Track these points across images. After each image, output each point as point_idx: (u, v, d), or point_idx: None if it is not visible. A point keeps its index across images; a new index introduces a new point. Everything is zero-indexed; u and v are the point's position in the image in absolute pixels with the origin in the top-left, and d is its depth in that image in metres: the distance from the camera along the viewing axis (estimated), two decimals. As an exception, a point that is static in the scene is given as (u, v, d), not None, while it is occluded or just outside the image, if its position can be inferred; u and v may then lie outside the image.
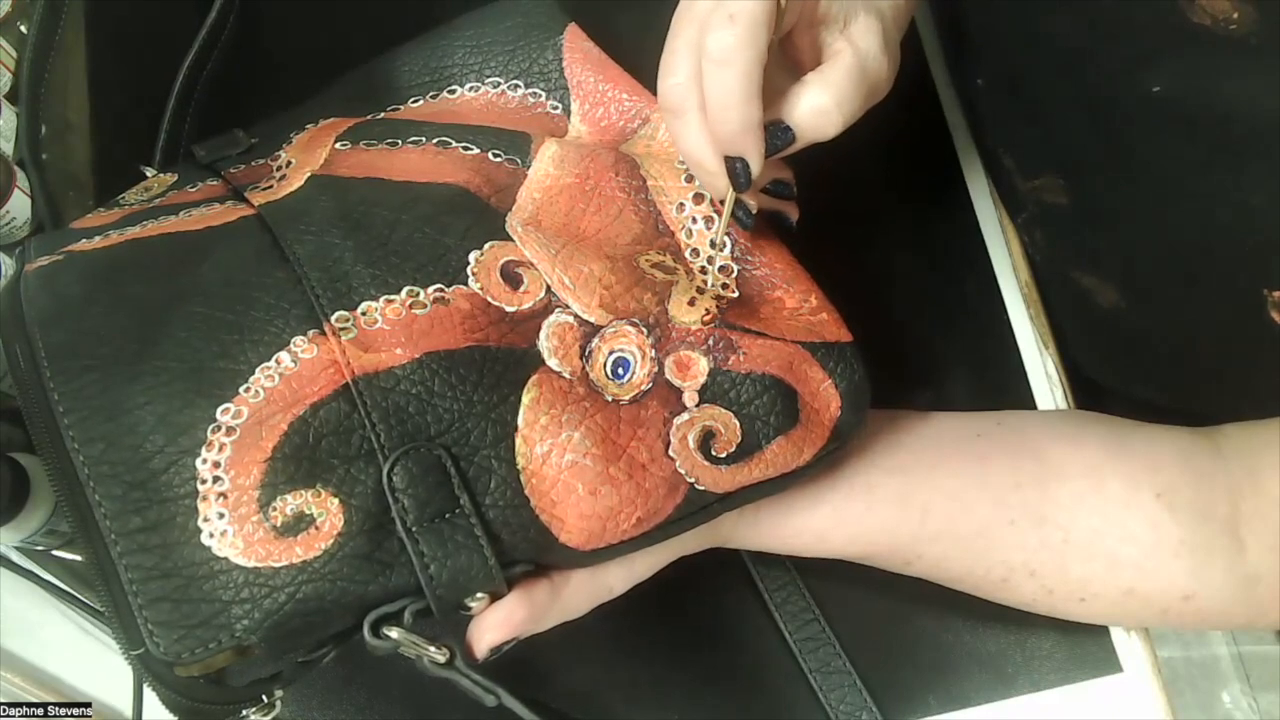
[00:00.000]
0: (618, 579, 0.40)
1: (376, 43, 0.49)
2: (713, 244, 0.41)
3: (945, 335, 0.54)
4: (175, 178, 0.45)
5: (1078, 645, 0.49)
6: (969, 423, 0.45)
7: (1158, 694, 0.48)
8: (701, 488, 0.37)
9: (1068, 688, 0.49)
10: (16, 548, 0.48)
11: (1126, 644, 0.49)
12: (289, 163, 0.42)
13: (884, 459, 0.43)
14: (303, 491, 0.33)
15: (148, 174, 0.46)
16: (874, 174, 0.55)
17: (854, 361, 0.40)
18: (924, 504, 0.43)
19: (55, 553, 0.49)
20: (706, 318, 0.38)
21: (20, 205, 0.46)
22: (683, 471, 0.37)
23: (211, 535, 0.33)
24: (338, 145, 0.43)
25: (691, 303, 0.38)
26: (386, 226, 0.38)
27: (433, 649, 0.35)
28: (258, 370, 0.34)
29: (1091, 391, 0.54)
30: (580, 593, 0.38)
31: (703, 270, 0.40)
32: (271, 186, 0.41)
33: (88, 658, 0.50)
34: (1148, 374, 0.52)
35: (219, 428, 0.33)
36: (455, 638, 0.36)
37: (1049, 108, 0.45)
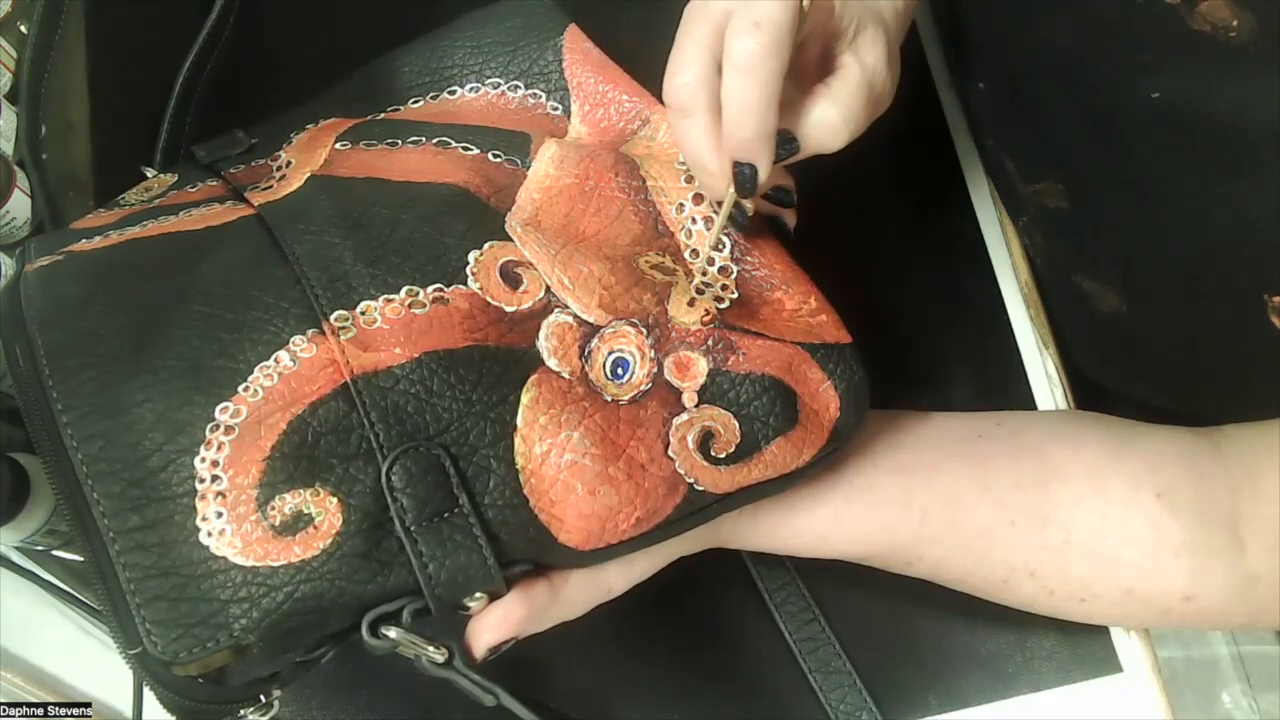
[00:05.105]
0: (617, 579, 0.40)
1: (376, 43, 0.49)
2: (713, 245, 0.41)
3: (945, 335, 0.54)
4: (175, 178, 0.45)
5: (1078, 645, 0.49)
6: (969, 423, 0.45)
7: (1158, 694, 0.48)
8: (701, 488, 0.37)
9: (1068, 688, 0.49)
10: (16, 548, 0.48)
11: (1126, 644, 0.49)
12: (289, 163, 0.42)
13: (884, 459, 0.43)
14: (301, 491, 0.33)
15: (148, 174, 0.46)
16: (874, 175, 0.55)
17: (853, 363, 0.40)
18: (924, 505, 0.42)
19: (55, 553, 0.49)
20: (706, 318, 0.38)
21: (20, 205, 0.46)
22: (682, 472, 0.37)
23: (209, 534, 0.33)
24: (338, 145, 0.43)
25: (691, 303, 0.38)
26: (386, 226, 0.38)
27: (431, 649, 0.35)
28: (257, 369, 0.34)
29: (1091, 392, 0.54)
30: (579, 593, 0.38)
31: (702, 271, 0.40)
32: (271, 186, 0.41)
33: (88, 658, 0.50)
34: (1148, 376, 0.51)
35: (218, 426, 0.33)
36: (454, 637, 0.36)
37: (1049, 111, 0.45)
